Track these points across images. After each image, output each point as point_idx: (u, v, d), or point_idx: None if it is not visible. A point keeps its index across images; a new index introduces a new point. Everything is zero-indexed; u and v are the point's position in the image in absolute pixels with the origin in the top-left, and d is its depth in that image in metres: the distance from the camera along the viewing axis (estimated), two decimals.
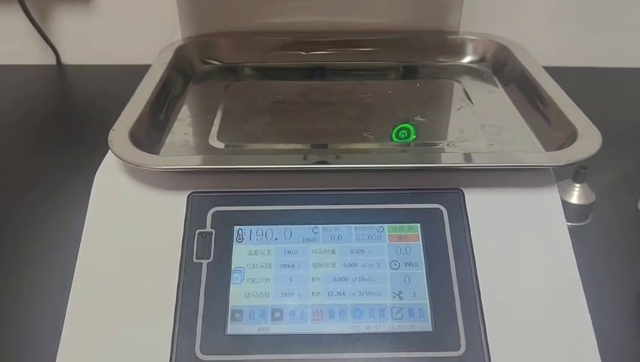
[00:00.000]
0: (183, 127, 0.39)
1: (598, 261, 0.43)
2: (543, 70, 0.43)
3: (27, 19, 0.68)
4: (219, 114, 0.41)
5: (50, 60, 0.72)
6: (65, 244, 0.41)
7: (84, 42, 0.71)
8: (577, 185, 0.46)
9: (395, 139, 0.40)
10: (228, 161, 0.34)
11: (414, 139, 0.39)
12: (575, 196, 0.46)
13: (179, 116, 0.40)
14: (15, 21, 0.69)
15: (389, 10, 0.48)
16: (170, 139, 0.38)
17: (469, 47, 0.48)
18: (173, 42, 0.46)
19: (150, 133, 0.36)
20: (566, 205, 0.47)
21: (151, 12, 0.69)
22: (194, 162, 0.34)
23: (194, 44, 0.47)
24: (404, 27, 0.49)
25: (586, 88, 0.70)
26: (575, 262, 0.31)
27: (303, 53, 0.48)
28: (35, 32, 0.69)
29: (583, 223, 0.48)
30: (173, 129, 0.39)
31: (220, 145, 0.37)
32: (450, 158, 0.35)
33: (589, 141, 0.34)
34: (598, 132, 0.35)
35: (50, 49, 0.71)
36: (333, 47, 0.48)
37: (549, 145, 0.37)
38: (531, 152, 0.36)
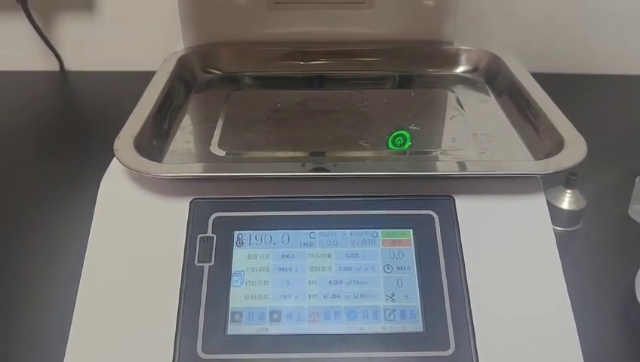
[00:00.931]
0: (185, 135, 0.41)
1: (587, 265, 0.45)
2: (533, 80, 0.44)
3: (31, 27, 0.69)
4: (220, 122, 0.42)
5: (54, 67, 0.73)
6: (69, 250, 0.42)
7: (87, 49, 0.73)
8: (568, 191, 0.48)
9: (391, 145, 0.41)
10: (229, 168, 0.35)
11: (410, 146, 0.41)
12: (566, 202, 0.48)
13: (181, 124, 0.42)
14: (19, 28, 0.70)
15: (385, 20, 0.50)
16: (173, 147, 0.39)
17: (463, 58, 0.50)
18: (176, 52, 0.48)
19: (154, 141, 0.38)
20: (557, 211, 0.48)
21: (153, 19, 0.70)
22: (196, 170, 0.35)
23: (196, 53, 0.48)
24: (400, 37, 0.50)
25: (579, 95, 0.72)
26: (560, 267, 0.32)
27: (302, 62, 0.49)
28: (39, 38, 0.71)
29: (573, 228, 0.49)
30: (175, 137, 0.40)
31: (221, 152, 0.39)
32: (442, 167, 0.36)
33: (575, 150, 0.36)
34: (584, 141, 0.37)
35: (53, 55, 0.72)
36: (331, 57, 0.49)
37: (537, 153, 0.38)
38: (520, 161, 0.38)
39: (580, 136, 0.37)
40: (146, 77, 0.64)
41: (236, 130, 0.41)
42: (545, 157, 0.37)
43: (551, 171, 0.34)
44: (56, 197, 0.51)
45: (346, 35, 0.50)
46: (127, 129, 0.36)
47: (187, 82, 0.46)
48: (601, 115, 0.66)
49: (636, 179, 0.50)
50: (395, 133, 0.43)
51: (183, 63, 0.47)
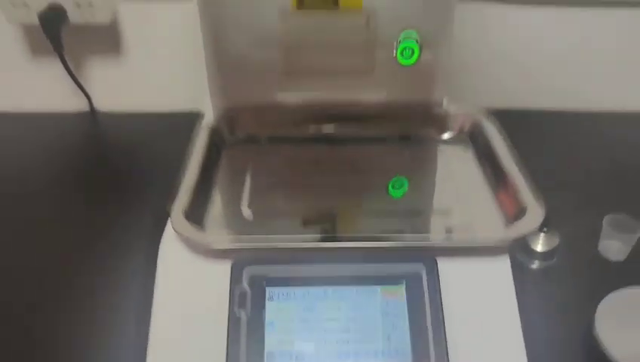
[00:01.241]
0: (220, 198, 0.50)
1: (557, 297, 0.52)
2: (505, 146, 0.53)
3: (64, 70, 0.76)
4: (247, 183, 0.51)
5: (84, 107, 0.81)
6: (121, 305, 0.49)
7: (115, 91, 0.80)
8: (542, 233, 0.55)
9: (391, 190, 0.51)
10: (262, 239, 0.44)
11: (406, 190, 0.50)
12: (540, 244, 0.55)
13: (216, 189, 0.51)
14: (54, 72, 0.78)
15: (383, 85, 0.58)
16: (213, 210, 0.48)
17: (451, 120, 0.58)
18: (207, 121, 0.56)
19: (198, 208, 0.47)
20: (532, 252, 0.55)
21: (176, 64, 0.78)
22: (236, 241, 0.45)
23: (224, 119, 0.57)
24: (397, 99, 0.58)
25: (558, 131, 0.77)
26: (518, 316, 0.42)
27: (313, 124, 0.58)
28: (71, 81, 0.78)
29: (547, 263, 0.56)
30: (212, 199, 0.49)
31: (250, 214, 0.48)
32: (429, 238, 0.46)
33: (533, 217, 0.45)
34: (541, 208, 0.45)
35: (84, 97, 0.80)
36: (338, 119, 0.58)
37: (507, 214, 0.47)
38: (487, 230, 0.47)
39: (538, 203, 0.46)
40: (169, 118, 0.74)
41: (260, 191, 0.51)
42: (512, 220, 0.46)
43: (512, 238, 0.43)
44: (101, 249, 0.56)
45: (350, 99, 0.58)
46: (178, 201, 0.45)
47: (218, 146, 0.55)
48: (578, 153, 0.72)
49: (604, 219, 0.56)
50: (394, 179, 0.53)
51: (214, 130, 0.55)
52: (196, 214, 0.46)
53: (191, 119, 0.63)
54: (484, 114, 0.57)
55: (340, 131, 0.58)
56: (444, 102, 0.59)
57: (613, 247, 0.56)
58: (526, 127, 0.77)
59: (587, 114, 0.80)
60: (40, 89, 0.80)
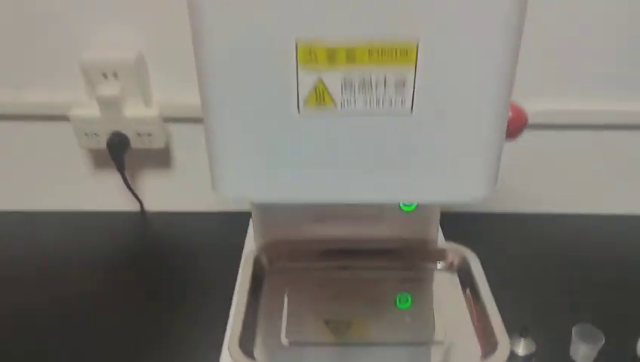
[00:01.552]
0: (263, 327, 0.64)
1: None
2: (486, 283, 0.67)
3: (120, 179, 0.92)
4: (284, 310, 0.66)
5: (136, 208, 0.96)
6: None
7: (164, 195, 0.96)
8: (522, 339, 0.69)
9: (398, 303, 0.66)
10: None
11: (410, 304, 0.65)
12: (521, 348, 0.68)
13: (259, 318, 0.65)
14: (113, 182, 0.94)
15: (391, 227, 0.72)
16: (258, 339, 0.62)
17: (443, 255, 0.72)
18: (251, 253, 0.71)
19: (247, 337, 0.61)
20: (515, 356, 0.68)
21: None
22: None
23: (264, 251, 0.71)
24: (401, 236, 0.73)
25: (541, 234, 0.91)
26: None
27: (336, 257, 0.72)
28: (127, 189, 0.94)
29: None
30: (257, 329, 0.63)
31: (287, 343, 0.62)
32: None
33: (501, 352, 0.59)
34: (508, 344, 0.60)
35: (136, 200, 0.95)
36: (356, 252, 0.72)
37: (482, 345, 0.61)
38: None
39: (507, 338, 0.60)
40: (209, 216, 0.91)
41: (296, 319, 0.65)
42: (486, 352, 0.60)
43: None
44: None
45: (364, 236, 0.73)
46: (232, 333, 0.59)
47: (259, 277, 0.69)
48: (552, 258, 0.84)
49: (573, 328, 0.67)
50: (400, 295, 0.67)
51: (256, 261, 0.70)
52: (246, 343, 0.60)
53: (228, 217, 0.82)
54: (470, 251, 0.72)
55: (357, 261, 0.72)
56: (439, 240, 0.74)
57: (582, 352, 0.68)
58: (506, 230, 0.91)
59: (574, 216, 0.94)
60: (99, 195, 0.96)
